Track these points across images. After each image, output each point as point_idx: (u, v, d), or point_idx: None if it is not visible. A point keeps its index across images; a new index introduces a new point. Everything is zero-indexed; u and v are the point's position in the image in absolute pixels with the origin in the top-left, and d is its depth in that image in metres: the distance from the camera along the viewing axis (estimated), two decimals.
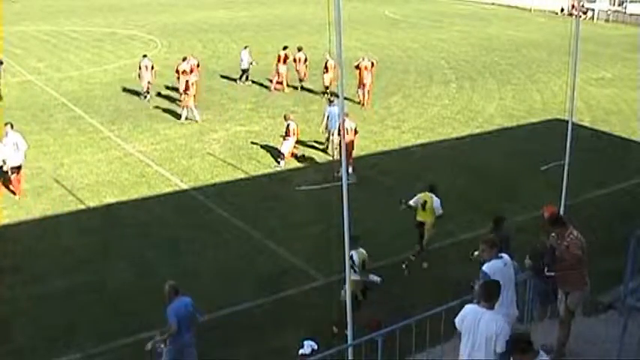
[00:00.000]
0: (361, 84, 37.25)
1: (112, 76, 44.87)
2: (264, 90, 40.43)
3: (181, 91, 35.43)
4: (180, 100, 36.37)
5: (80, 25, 68.61)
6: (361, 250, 16.90)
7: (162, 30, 63.60)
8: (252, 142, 30.97)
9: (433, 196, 19.83)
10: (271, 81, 41.08)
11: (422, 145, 31.48)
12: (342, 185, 13.29)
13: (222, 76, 44.41)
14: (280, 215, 23.50)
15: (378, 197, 24.70)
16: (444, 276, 19.11)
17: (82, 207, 24.39)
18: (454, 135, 32.87)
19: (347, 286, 13.65)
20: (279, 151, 28.60)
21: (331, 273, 18.75)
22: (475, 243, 13.55)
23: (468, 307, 11.02)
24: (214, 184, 26.38)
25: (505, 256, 12.49)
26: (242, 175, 27.39)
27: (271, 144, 30.26)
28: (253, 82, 42.12)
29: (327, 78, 38.63)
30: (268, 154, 29.46)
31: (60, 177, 27.07)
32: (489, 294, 10.82)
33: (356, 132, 27.42)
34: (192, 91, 34.55)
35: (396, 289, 18.64)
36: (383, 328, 12.77)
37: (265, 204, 24.56)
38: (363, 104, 37.25)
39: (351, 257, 15.68)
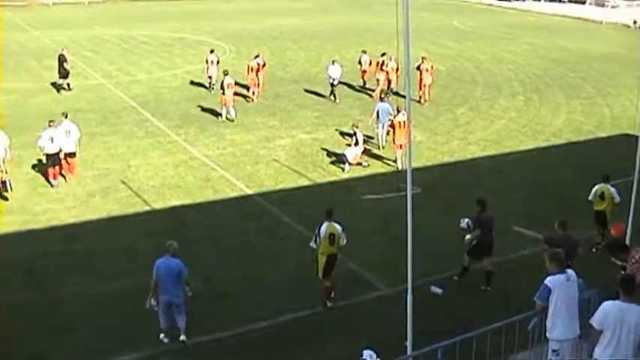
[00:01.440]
0: (421, 84, 39.39)
1: (181, 80, 45.37)
2: (331, 98, 40.38)
3: (251, 86, 39.52)
4: (249, 97, 39.05)
5: (150, 30, 69.48)
6: (333, 223, 18.07)
7: (231, 36, 64.04)
8: (318, 150, 31.03)
9: None
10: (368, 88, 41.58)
11: (488, 157, 31.22)
12: (406, 195, 13.26)
13: (290, 83, 44.58)
14: (344, 223, 23.43)
15: (443, 208, 24.55)
16: (507, 290, 18.89)
17: (148, 209, 24.70)
18: (521, 148, 32.53)
19: (409, 297, 13.60)
20: (345, 157, 28.61)
21: (394, 282, 18.65)
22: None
23: (609, 303, 10.86)
24: (279, 191, 26.50)
25: (570, 271, 12.32)
26: (307, 183, 27.47)
27: (337, 152, 30.26)
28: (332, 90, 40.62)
29: (383, 78, 40.47)
30: (333, 162, 29.48)
31: (127, 178, 27.46)
32: (629, 288, 10.72)
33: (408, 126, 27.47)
34: (230, 91, 35.65)
35: (458, 301, 18.53)
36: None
37: None
38: (421, 101, 39.15)
39: (319, 228, 17.93)
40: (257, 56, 41.45)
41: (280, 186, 26.94)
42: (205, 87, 42.59)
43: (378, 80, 40.50)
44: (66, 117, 27.83)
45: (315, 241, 18.25)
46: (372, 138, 31.97)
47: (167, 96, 41.13)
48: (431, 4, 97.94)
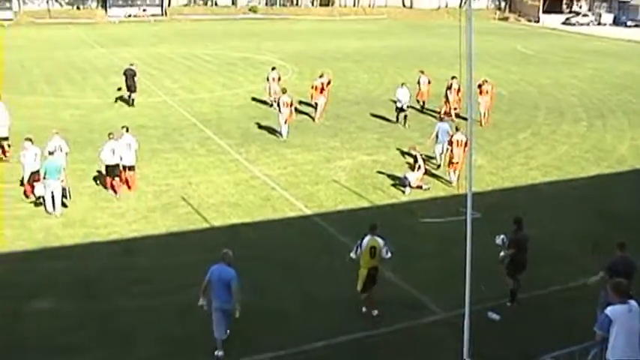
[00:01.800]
0: (482, 106, 39.60)
1: (243, 99, 45.74)
2: (392, 120, 40.27)
3: (314, 104, 40.45)
4: (314, 116, 39.83)
5: (214, 49, 70.29)
6: (375, 237, 18.48)
7: (294, 57, 64.46)
8: (378, 172, 30.91)
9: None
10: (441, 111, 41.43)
11: (549, 183, 30.78)
12: (466, 219, 13.14)
13: (352, 105, 44.61)
14: (402, 246, 23.19)
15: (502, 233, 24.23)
16: (567, 319, 18.57)
17: (207, 226, 24.81)
18: (583, 174, 32.02)
19: (466, 321, 13.45)
20: (407, 180, 28.47)
21: (450, 307, 18.48)
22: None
23: (614, 307, 10.75)
24: (338, 212, 26.43)
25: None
26: (366, 204, 27.36)
27: (397, 174, 30.11)
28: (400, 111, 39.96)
29: (452, 99, 40.56)
30: (394, 185, 29.35)
31: (187, 195, 27.65)
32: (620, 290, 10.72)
33: (466, 144, 27.82)
34: (288, 110, 36.09)
35: (516, 328, 18.26)
36: None
37: (388, 234, 24.32)
38: (481, 124, 39.13)
39: (361, 240, 18.44)
40: (321, 75, 41.86)
41: (340, 207, 26.88)
42: (267, 104, 43.13)
43: (447, 101, 40.23)
44: (127, 130, 28.65)
45: (356, 252, 18.60)
46: (431, 158, 32.08)
47: (229, 114, 41.47)
48: (495, 27, 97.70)
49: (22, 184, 27.60)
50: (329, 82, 41.83)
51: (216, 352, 16.86)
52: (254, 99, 45.56)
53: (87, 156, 30.12)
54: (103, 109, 41.84)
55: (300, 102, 43.02)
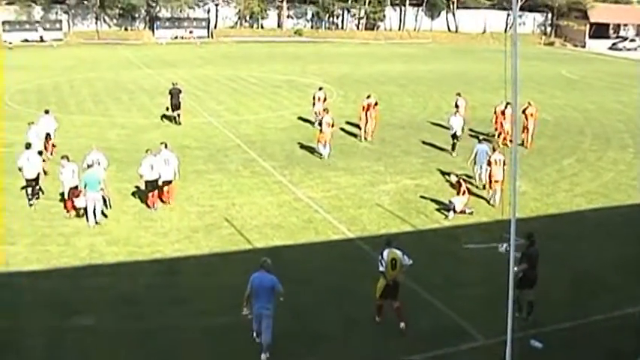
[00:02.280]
0: (525, 128, 40.07)
1: (288, 122, 45.90)
2: (437, 144, 40.17)
3: (362, 125, 41.16)
4: (360, 136, 40.76)
5: (259, 72, 70.70)
6: (394, 250, 19.20)
7: (339, 80, 64.62)
8: (421, 196, 30.78)
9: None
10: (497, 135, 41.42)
11: (595, 210, 30.40)
12: (510, 246, 13.03)
13: (396, 129, 44.57)
14: (445, 272, 23.15)
15: (546, 260, 23.95)
16: (612, 347, 18.33)
17: (250, 247, 24.86)
18: (629, 202, 31.55)
19: (507, 349, 13.32)
20: (453, 204, 28.32)
21: (492, 334, 18.31)
22: None
23: None
24: (381, 236, 26.23)
25: None
26: (409, 229, 27.24)
27: (440, 199, 29.97)
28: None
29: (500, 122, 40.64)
30: (437, 209, 29.21)
31: (230, 216, 27.74)
32: None
33: (504, 164, 29.15)
34: (328, 129, 36.68)
35: (561, 357, 18.05)
36: None
37: (430, 259, 24.24)
38: (526, 146, 39.67)
39: (381, 254, 19.20)
40: (369, 96, 42.17)
41: (382, 231, 26.78)
42: (312, 123, 43.46)
43: (502, 127, 40.01)
44: (165, 147, 29.29)
45: (382, 265, 19.26)
46: (470, 177, 32.42)
47: (273, 136, 41.63)
48: (540, 52, 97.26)
49: (61, 200, 28.19)
50: (376, 104, 41.96)
51: (262, 355, 17.43)
52: (300, 120, 45.73)
53: (131, 175, 30.36)
54: (148, 129, 42.22)
55: (348, 123, 43.51)
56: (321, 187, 31.80)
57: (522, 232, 19.34)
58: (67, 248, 24.34)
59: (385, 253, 19.28)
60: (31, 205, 28.21)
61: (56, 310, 20.02)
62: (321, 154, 36.80)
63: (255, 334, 18.02)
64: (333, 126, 37.14)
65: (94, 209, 26.38)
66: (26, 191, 28.50)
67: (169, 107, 44.26)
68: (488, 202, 30.11)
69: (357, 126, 42.15)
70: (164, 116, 45.26)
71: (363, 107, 41.40)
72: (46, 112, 37.30)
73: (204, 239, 25.54)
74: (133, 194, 29.72)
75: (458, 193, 28.50)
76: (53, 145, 35.73)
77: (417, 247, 25.18)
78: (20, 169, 28.30)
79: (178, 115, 44.22)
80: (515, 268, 18.76)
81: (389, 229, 26.86)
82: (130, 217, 27.54)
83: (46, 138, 35.31)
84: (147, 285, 21.88)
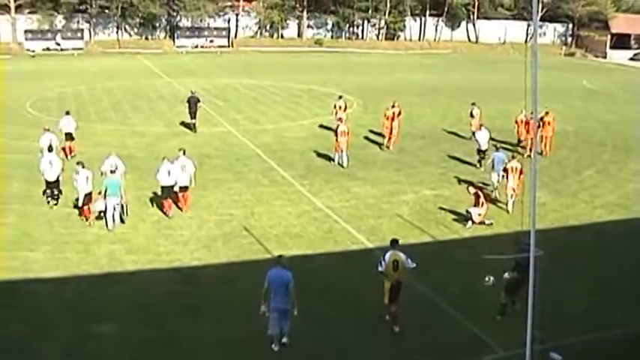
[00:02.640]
0: (543, 137, 40.34)
1: (307, 131, 45.91)
2: (456, 155, 40.08)
3: (386, 134, 41.67)
4: (383, 145, 41.31)
5: (279, 81, 70.81)
6: (397, 252, 19.66)
7: (359, 90, 64.60)
8: (441, 207, 30.67)
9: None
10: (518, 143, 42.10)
11: (615, 221, 30.16)
12: (529, 257, 12.95)
13: (416, 139, 44.49)
14: (463, 282, 23.03)
15: (566, 272, 23.84)
16: None
17: (269, 256, 24.77)
18: None
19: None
20: (470, 214, 28.22)
21: (511, 346, 18.18)
22: None
23: None
24: (400, 245, 26.18)
25: None
26: (428, 239, 27.14)
27: (460, 210, 29.84)
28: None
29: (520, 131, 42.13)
30: (456, 220, 29.09)
31: (249, 225, 27.72)
32: None
33: (521, 172, 29.72)
34: (344, 138, 37.02)
35: None
36: None
37: (449, 270, 24.16)
38: (545, 154, 39.92)
39: (383, 255, 19.64)
40: (393, 105, 42.45)
41: (402, 241, 26.41)
42: (334, 131, 43.04)
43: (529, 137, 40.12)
44: (183, 153, 29.72)
45: (381, 266, 19.63)
46: (487, 185, 32.76)
47: (293, 146, 41.65)
48: (561, 63, 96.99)
49: (75, 206, 28.46)
50: (399, 113, 42.20)
51: (272, 346, 18.21)
52: (319, 130, 45.73)
53: (151, 183, 30.40)
54: (168, 138, 42.34)
55: (372, 132, 44.14)
56: (340, 197, 31.76)
57: (542, 244, 19.27)
58: (86, 256, 24.41)
59: (388, 254, 19.75)
60: (50, 206, 29.01)
61: (75, 317, 20.07)
62: (339, 163, 36.98)
63: (272, 343, 18.35)
64: (348, 134, 37.38)
65: (113, 214, 26.84)
66: (46, 194, 29.35)
67: (187, 115, 44.88)
68: (506, 205, 30.45)
69: (378, 135, 42.12)
70: (183, 123, 45.46)
71: (388, 116, 41.70)
72: (67, 113, 38.95)
73: (223, 248, 25.55)
74: (153, 202, 29.77)
75: (476, 205, 28.39)
76: (71, 149, 37.26)
77: (436, 257, 25.19)
78: (42, 173, 29.17)
79: (194, 125, 44.67)
80: (507, 275, 20.00)
81: (408, 240, 26.70)
82: (150, 225, 27.60)
83: (67, 138, 37.25)
84: (166, 293, 21.89)
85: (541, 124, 39.55)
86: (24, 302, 21.01)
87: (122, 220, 27.45)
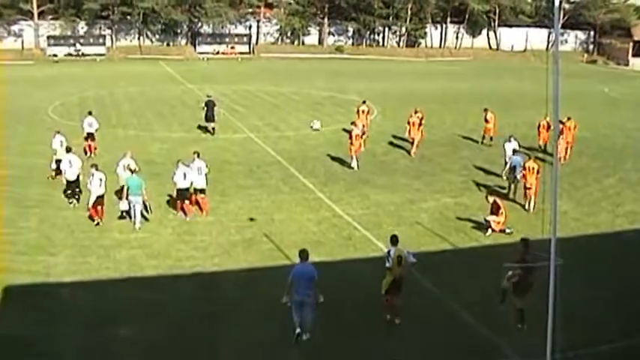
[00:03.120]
0: (564, 141, 40.85)
1: (328, 138, 45.88)
2: (477, 163, 39.95)
3: (411, 140, 42.28)
4: (409, 152, 41.67)
5: (300, 88, 70.89)
6: (399, 247, 20.70)
7: (380, 97, 64.52)
8: (461, 215, 30.57)
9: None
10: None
11: (637, 231, 29.98)
12: (549, 265, 12.89)
13: (436, 146, 44.43)
14: (483, 290, 22.94)
15: (586, 281, 23.68)
16: None
17: (288, 263, 24.76)
18: None
19: None
20: (489, 222, 28.13)
21: (529, 354, 18.08)
22: None
23: None
24: (420, 254, 26.03)
25: None
26: (448, 247, 27.07)
27: (480, 218, 29.74)
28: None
29: (542, 137, 42.79)
30: (476, 228, 29.00)
31: (270, 232, 27.74)
32: None
33: (538, 172, 30.75)
34: (357, 142, 38.23)
35: None
36: None
37: (469, 278, 24.07)
38: (564, 158, 40.24)
39: (388, 252, 20.65)
40: (416, 112, 43.07)
41: (422, 249, 26.54)
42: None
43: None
44: (198, 156, 30.43)
45: (389, 262, 20.46)
46: (504, 188, 33.26)
47: (314, 153, 41.68)
48: (582, 70, 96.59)
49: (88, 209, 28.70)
50: (421, 121, 42.84)
51: (303, 336, 18.93)
52: (340, 137, 45.70)
53: (171, 189, 30.48)
54: (188, 144, 42.40)
55: (397, 137, 44.82)
56: (360, 205, 31.73)
57: (562, 253, 19.21)
58: (106, 260, 24.52)
59: (392, 251, 20.56)
60: (71, 203, 30.23)
61: (95, 321, 20.16)
62: (350, 166, 37.91)
63: (298, 330, 18.97)
64: (362, 138, 38.66)
65: (135, 212, 27.83)
66: (67, 193, 30.61)
67: (205, 119, 45.82)
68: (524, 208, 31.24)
69: (399, 142, 42.04)
70: (200, 127, 45.71)
71: (413, 123, 42.23)
72: (89, 113, 40.89)
73: (242, 254, 25.59)
74: (173, 208, 29.84)
75: (493, 213, 28.29)
76: (91, 148, 38.97)
77: (456, 265, 25.17)
78: (62, 173, 30.87)
79: (213, 129, 45.51)
80: (510, 273, 20.31)
81: (428, 247, 26.70)
82: (170, 230, 27.69)
83: (88, 139, 39.33)
84: (186, 298, 21.98)
85: (563, 130, 39.92)
86: (45, 305, 21.11)
87: (146, 219, 28.15)
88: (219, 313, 21.00)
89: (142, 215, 28.09)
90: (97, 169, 28.57)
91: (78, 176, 30.37)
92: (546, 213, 27.75)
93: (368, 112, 46.80)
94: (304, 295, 18.81)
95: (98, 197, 28.11)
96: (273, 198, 32.23)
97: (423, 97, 66.15)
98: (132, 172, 28.83)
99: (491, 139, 44.29)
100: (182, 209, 29.18)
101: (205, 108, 45.54)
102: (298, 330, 18.90)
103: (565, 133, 40.43)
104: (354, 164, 37.76)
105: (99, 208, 28.22)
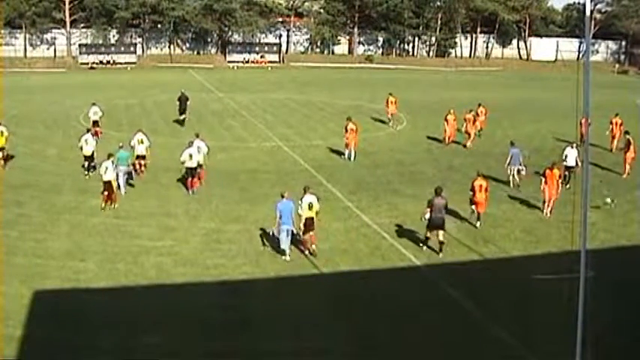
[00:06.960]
0: (612, 136, 47.34)
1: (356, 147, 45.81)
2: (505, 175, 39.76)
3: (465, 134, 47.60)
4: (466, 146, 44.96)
5: (329, 97, 70.97)
6: (310, 194, 26.11)
7: (408, 106, 64.40)
8: (489, 225, 30.42)
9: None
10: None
11: None
12: (579, 278, 12.82)
13: (465, 156, 44.34)
14: (511, 301, 22.83)
15: (617, 294, 23.48)
16: None
17: (316, 272, 24.84)
18: None
19: None
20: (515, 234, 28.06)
21: None
22: None
23: None
24: (447, 263, 26.08)
25: None
26: (476, 257, 26.95)
27: (507, 229, 29.59)
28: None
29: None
30: (505, 239, 28.87)
31: (297, 241, 27.73)
32: None
33: (486, 190, 30.68)
34: (352, 135, 42.53)
35: None
36: None
37: (497, 289, 23.95)
38: (612, 150, 46.18)
39: (301, 199, 25.88)
40: (471, 110, 49.14)
41: (449, 259, 26.52)
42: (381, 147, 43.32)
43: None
44: (197, 136, 36.49)
45: (300, 208, 25.84)
46: (507, 183, 34.41)
47: (342, 162, 41.70)
48: (613, 80, 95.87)
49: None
50: (477, 115, 49.54)
51: (284, 258, 25.38)
52: (368, 146, 45.67)
53: (199, 197, 30.60)
54: (216, 152, 42.51)
55: (425, 146, 43.80)
56: (388, 214, 31.69)
57: (592, 265, 19.09)
58: (135, 267, 24.66)
59: (304, 198, 25.88)
60: (86, 176, 36.20)
61: (123, 327, 20.26)
62: (348, 158, 42.23)
63: (283, 255, 25.43)
64: (356, 132, 42.74)
65: (121, 180, 32.77)
66: (84, 165, 36.85)
67: (178, 112, 52.14)
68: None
69: (429, 152, 41.88)
70: (233, 138, 45.89)
71: (469, 120, 47.95)
72: (93, 104, 48.33)
73: (270, 263, 25.61)
74: (202, 216, 29.98)
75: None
76: (97, 132, 44.37)
77: (484, 276, 25.02)
78: (81, 148, 36.83)
79: (184, 120, 51.77)
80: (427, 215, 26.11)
81: (455, 257, 26.62)
82: (198, 238, 27.79)
83: (94, 125, 46.28)
84: (213, 306, 22.00)
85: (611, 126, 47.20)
86: (74, 311, 21.27)
87: (131, 185, 34.17)
88: (247, 321, 21.00)
89: (127, 182, 33.60)
90: (108, 159, 31.66)
91: (93, 152, 36.68)
92: (576, 224, 27.60)
93: (395, 102, 53.75)
94: (289, 224, 25.31)
95: (105, 183, 30.88)
96: None
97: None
98: (120, 147, 34.07)
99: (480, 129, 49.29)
100: (190, 184, 33.70)
101: (178, 102, 52.16)
102: (285, 257, 25.38)
103: (614, 128, 46.89)
104: (350, 156, 42.24)
105: (105, 194, 30.95)
